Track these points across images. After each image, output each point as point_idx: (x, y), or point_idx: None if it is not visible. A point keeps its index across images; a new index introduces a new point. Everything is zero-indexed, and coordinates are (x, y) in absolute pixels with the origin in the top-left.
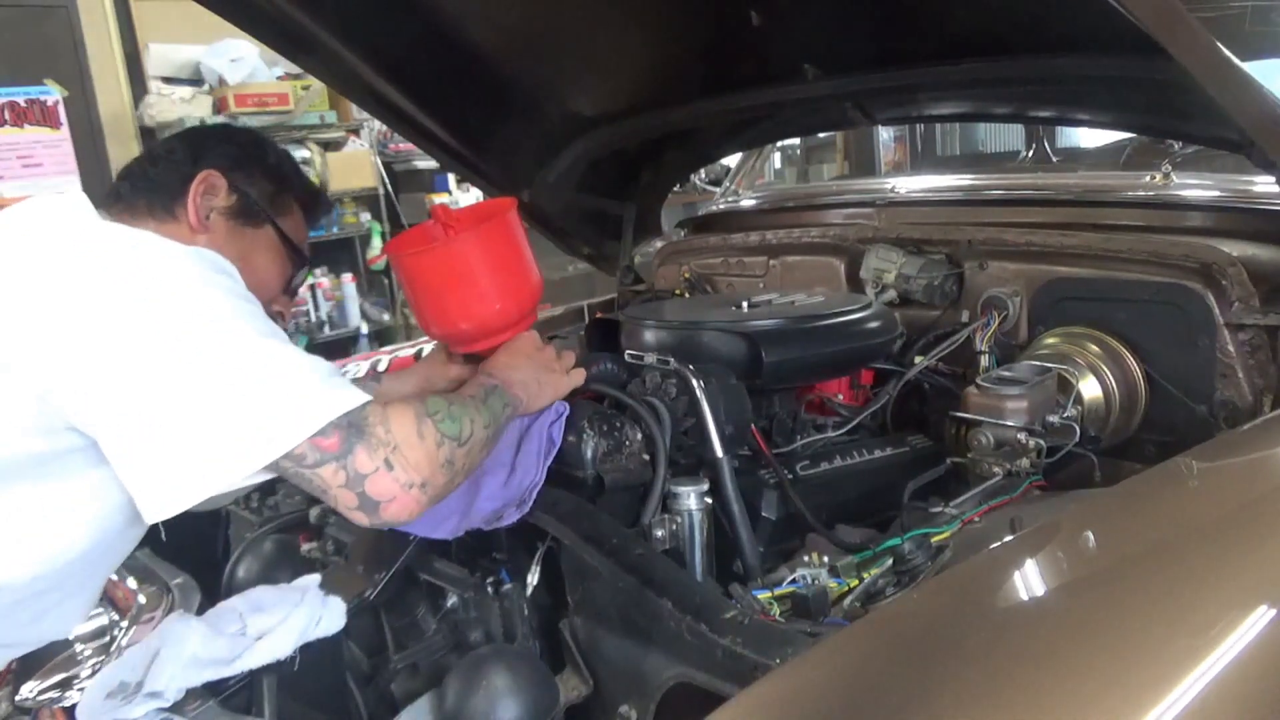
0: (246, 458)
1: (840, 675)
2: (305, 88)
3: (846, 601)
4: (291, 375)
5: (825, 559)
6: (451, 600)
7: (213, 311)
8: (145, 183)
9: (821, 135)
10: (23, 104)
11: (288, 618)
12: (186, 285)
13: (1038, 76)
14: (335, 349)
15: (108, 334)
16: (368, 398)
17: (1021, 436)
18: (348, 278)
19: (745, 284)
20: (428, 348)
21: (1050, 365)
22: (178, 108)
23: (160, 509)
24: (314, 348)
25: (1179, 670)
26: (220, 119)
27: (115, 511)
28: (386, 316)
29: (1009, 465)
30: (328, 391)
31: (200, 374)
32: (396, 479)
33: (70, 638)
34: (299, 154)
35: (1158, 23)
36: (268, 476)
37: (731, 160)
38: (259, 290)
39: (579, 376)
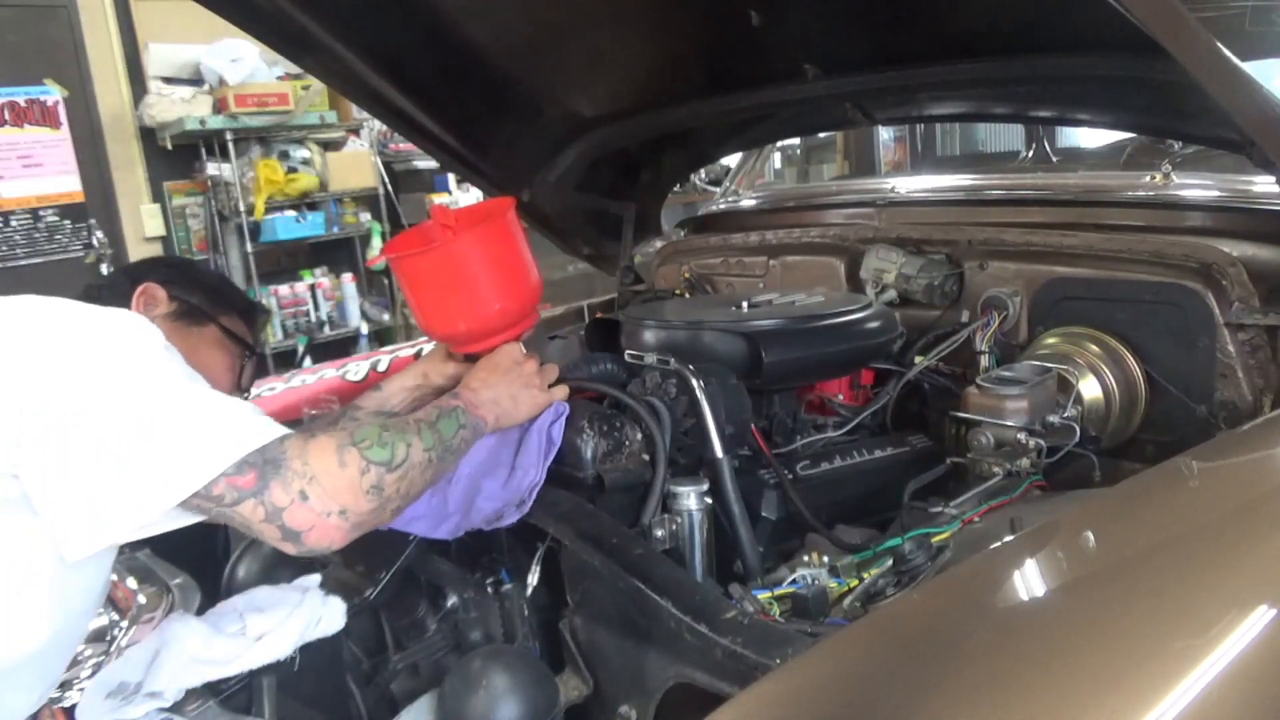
0: (159, 497)
1: (840, 675)
2: (305, 88)
3: (846, 601)
4: (206, 415)
5: (825, 559)
6: (451, 600)
7: (133, 356)
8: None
9: (821, 135)
10: (23, 104)
11: (288, 618)
12: (111, 334)
13: (1038, 76)
14: (335, 349)
15: (35, 380)
16: (286, 432)
17: (1021, 436)
18: (348, 278)
19: (745, 284)
20: (428, 348)
21: (1050, 365)
22: (178, 108)
23: (77, 547)
24: (314, 348)
25: (1179, 670)
26: (220, 119)
27: (45, 557)
28: (386, 316)
29: (1009, 465)
30: (241, 429)
31: (116, 414)
32: (313, 508)
33: None
34: (299, 154)
35: (1158, 23)
36: (195, 518)
37: (731, 160)
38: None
39: (560, 392)
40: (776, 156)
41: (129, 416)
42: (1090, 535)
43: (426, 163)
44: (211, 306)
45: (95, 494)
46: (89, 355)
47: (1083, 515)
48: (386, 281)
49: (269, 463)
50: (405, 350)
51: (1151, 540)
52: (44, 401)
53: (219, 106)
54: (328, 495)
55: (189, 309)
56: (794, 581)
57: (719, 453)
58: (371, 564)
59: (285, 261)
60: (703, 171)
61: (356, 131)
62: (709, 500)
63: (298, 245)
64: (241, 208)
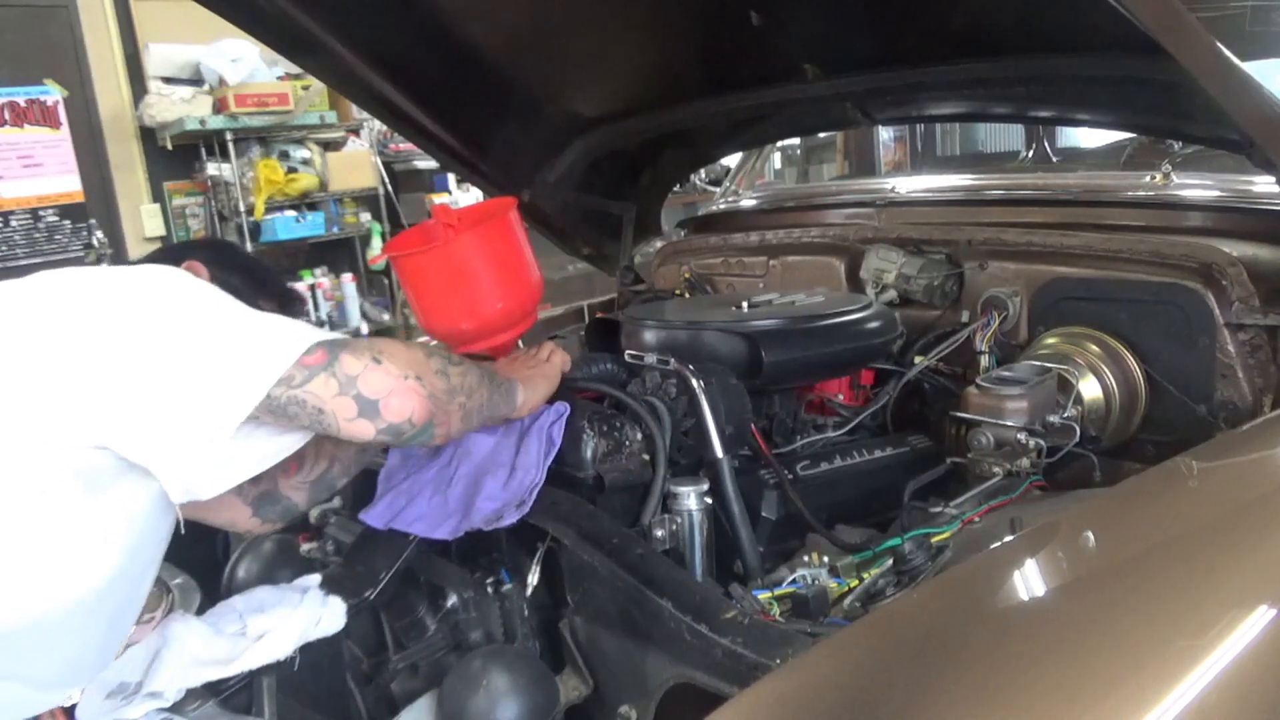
0: (245, 393)
1: (840, 675)
2: (305, 88)
3: (846, 601)
4: (270, 321)
5: (825, 559)
6: (451, 600)
7: (195, 294)
8: None
9: (821, 135)
10: (23, 104)
11: (288, 618)
12: (168, 279)
13: (1038, 76)
14: None
15: (106, 339)
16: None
17: (1021, 436)
18: (348, 278)
19: (745, 284)
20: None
21: (1050, 365)
22: (178, 108)
23: (186, 479)
24: None
25: (1179, 670)
26: (220, 119)
27: (145, 510)
28: (386, 316)
29: (1009, 465)
30: (306, 328)
31: (187, 340)
32: (388, 372)
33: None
34: (299, 154)
35: (1158, 23)
36: (274, 426)
37: (731, 160)
38: None
39: (561, 357)
40: (776, 156)
41: (204, 337)
42: (1090, 535)
43: (426, 163)
44: (251, 290)
45: (185, 412)
46: (158, 296)
47: (1083, 515)
48: (387, 281)
49: (336, 342)
50: None
51: (1151, 540)
52: (117, 360)
53: (219, 106)
54: (401, 362)
55: (229, 290)
56: (794, 581)
57: (719, 453)
58: (371, 564)
59: (285, 261)
60: (703, 171)
61: (356, 131)
62: (709, 500)
63: (298, 245)
64: (241, 208)
